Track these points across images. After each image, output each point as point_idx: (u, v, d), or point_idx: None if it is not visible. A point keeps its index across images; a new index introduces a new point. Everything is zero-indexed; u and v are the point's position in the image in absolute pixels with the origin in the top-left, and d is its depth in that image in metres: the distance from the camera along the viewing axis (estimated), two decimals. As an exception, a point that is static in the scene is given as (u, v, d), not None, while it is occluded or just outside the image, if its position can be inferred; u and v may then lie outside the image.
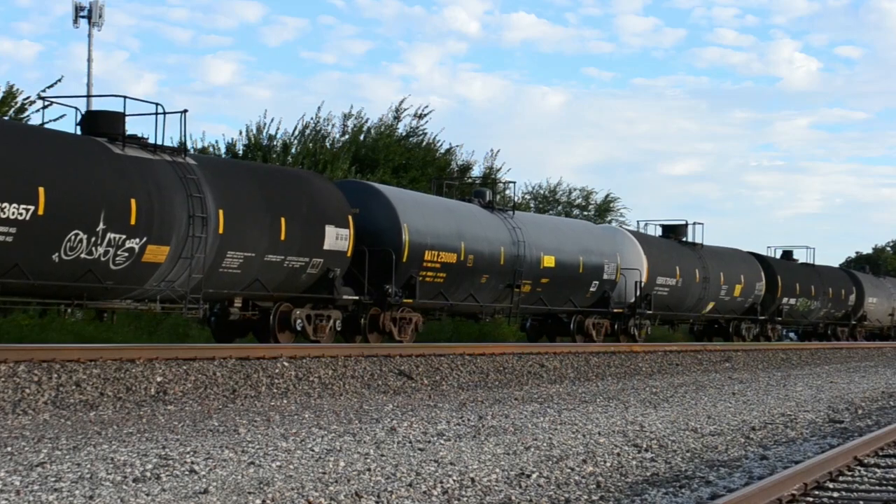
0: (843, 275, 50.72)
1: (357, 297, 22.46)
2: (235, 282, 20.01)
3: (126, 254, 17.85)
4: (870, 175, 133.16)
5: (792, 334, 50.99)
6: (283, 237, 20.59)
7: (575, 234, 30.70)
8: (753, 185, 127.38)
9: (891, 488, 8.77)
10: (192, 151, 23.52)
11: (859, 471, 9.63)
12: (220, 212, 19.32)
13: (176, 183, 18.72)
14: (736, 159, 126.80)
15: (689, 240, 37.62)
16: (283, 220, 20.63)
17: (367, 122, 41.52)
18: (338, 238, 21.82)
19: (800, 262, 47.03)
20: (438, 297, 24.84)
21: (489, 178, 44.35)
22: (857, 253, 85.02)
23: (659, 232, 38.22)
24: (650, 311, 32.92)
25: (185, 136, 20.30)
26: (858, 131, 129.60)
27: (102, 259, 17.52)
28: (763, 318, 41.43)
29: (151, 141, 19.30)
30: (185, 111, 19.70)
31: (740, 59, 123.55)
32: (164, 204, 18.41)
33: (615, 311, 31.53)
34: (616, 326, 32.03)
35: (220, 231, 19.29)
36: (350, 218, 22.22)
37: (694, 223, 37.95)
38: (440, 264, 24.50)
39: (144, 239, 18.05)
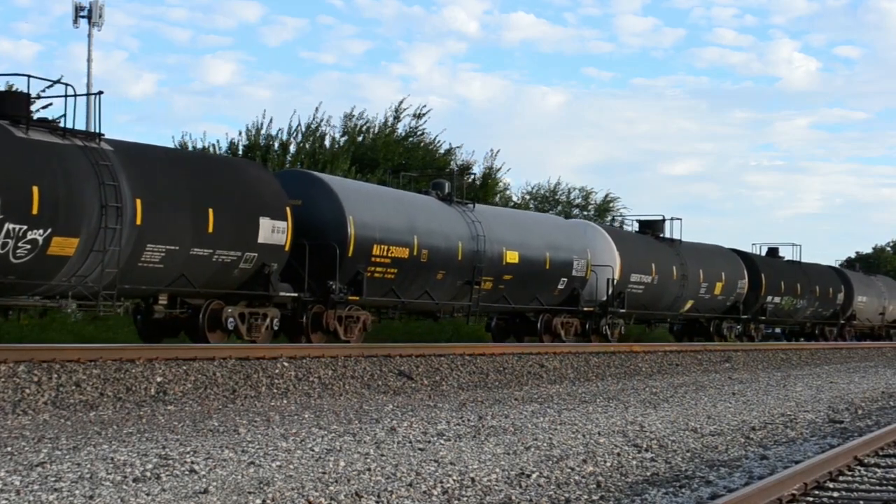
0: (832, 273, 49.05)
1: (296, 294, 21.10)
2: (158, 277, 18.59)
3: (28, 246, 16.36)
4: (870, 175, 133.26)
5: (777, 331, 49.62)
6: (210, 229, 19.09)
7: (541, 229, 29.15)
8: (753, 185, 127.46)
9: (891, 488, 8.77)
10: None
11: (859, 471, 9.63)
12: (138, 201, 17.87)
13: (87, 169, 17.23)
14: (736, 159, 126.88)
15: (667, 236, 35.98)
16: (210, 210, 19.15)
17: (365, 122, 41.61)
18: (274, 231, 20.36)
19: (786, 259, 45.65)
20: (389, 294, 23.41)
21: (488, 179, 44.38)
22: (856, 253, 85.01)
23: (636, 228, 36.90)
24: (623, 310, 31.37)
25: (99, 119, 18.73)
26: (858, 131, 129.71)
27: (0, 252, 16.06)
28: (746, 317, 39.89)
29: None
30: (101, 93, 18.37)
31: (740, 59, 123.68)
32: (72, 192, 16.93)
33: (586, 309, 30.00)
34: (588, 326, 30.53)
35: (138, 222, 17.85)
36: (288, 209, 20.71)
37: (672, 218, 36.44)
38: (390, 259, 23.04)
39: (49, 230, 16.54)
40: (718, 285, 37.36)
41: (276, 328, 20.80)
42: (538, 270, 28.00)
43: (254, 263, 20.06)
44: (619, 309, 31.22)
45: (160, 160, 19.38)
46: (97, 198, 17.23)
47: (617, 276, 31.14)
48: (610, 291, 30.85)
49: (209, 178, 19.82)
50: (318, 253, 21.43)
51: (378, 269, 22.84)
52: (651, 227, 36.09)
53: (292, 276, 21.21)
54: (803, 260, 47.29)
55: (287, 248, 20.70)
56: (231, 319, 19.88)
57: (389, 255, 23.01)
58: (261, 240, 20.11)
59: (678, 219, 36.46)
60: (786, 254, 46.16)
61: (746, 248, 42.88)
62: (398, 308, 24.57)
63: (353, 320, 22.73)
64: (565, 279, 29.06)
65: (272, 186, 20.96)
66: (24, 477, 8.13)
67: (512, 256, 26.98)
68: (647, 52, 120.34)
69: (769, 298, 41.34)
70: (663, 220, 36.25)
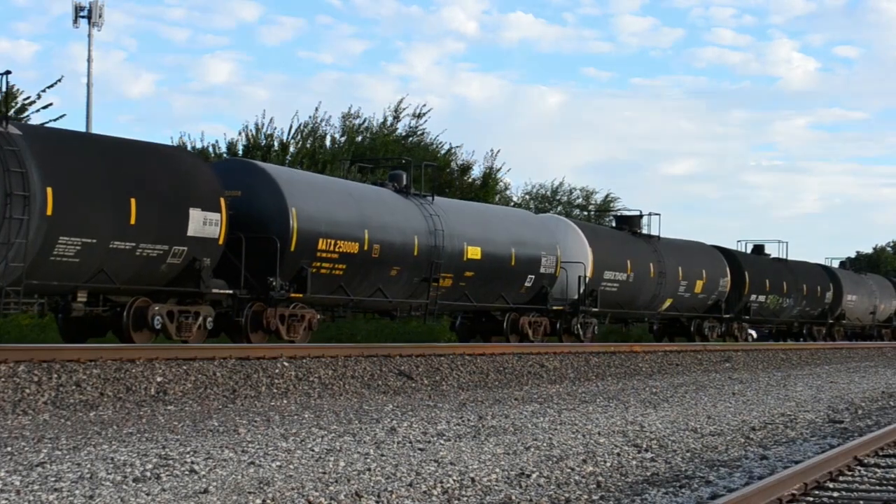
0: (820, 271, 47.51)
1: (231, 291, 19.89)
2: (73, 273, 17.33)
3: None
4: (869, 175, 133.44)
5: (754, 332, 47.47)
6: (132, 221, 17.86)
7: (506, 224, 27.69)
8: (752, 185, 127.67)
9: (891, 488, 8.77)
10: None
11: (859, 471, 9.63)
12: (49, 190, 16.69)
13: None
14: (735, 159, 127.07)
15: (645, 232, 34.30)
16: (133, 201, 17.92)
17: (363, 122, 41.68)
18: (206, 223, 19.07)
19: (772, 256, 44.19)
20: (338, 291, 22.12)
21: (488, 179, 44.41)
22: (857, 252, 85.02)
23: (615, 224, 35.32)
24: (596, 309, 29.91)
25: (6, 102, 17.49)
26: (857, 131, 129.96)
27: None
28: (728, 316, 38.28)
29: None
30: (7, 73, 17.59)
31: (738, 59, 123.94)
32: None
33: (555, 308, 28.61)
34: (559, 325, 29.00)
35: (49, 212, 16.65)
36: (222, 200, 19.48)
37: (650, 214, 34.81)
38: (338, 254, 21.76)
39: None
40: (699, 283, 35.88)
41: (209, 327, 19.60)
42: (503, 267, 26.71)
43: (183, 258, 18.85)
44: (591, 308, 29.81)
45: (76, 146, 18.13)
46: (1, 186, 16.14)
47: (589, 273, 29.72)
48: (582, 289, 29.49)
49: (132, 165, 18.55)
50: (257, 247, 20.32)
51: (325, 264, 21.58)
52: (628, 223, 34.50)
53: (230, 271, 20.10)
54: (798, 259, 46.32)
55: (221, 241, 19.49)
56: (158, 318, 18.72)
57: (337, 249, 21.78)
58: (191, 233, 18.88)
59: (657, 214, 35.09)
60: (772, 251, 44.86)
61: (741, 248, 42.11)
62: (349, 306, 23.34)
63: (297, 319, 21.40)
64: (532, 276, 27.72)
65: (205, 175, 19.72)
66: (24, 477, 8.13)
67: (474, 252, 25.73)
68: (645, 52, 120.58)
69: (753, 297, 39.85)
70: (641, 216, 34.75)
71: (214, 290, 19.59)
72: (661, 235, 34.97)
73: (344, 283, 22.23)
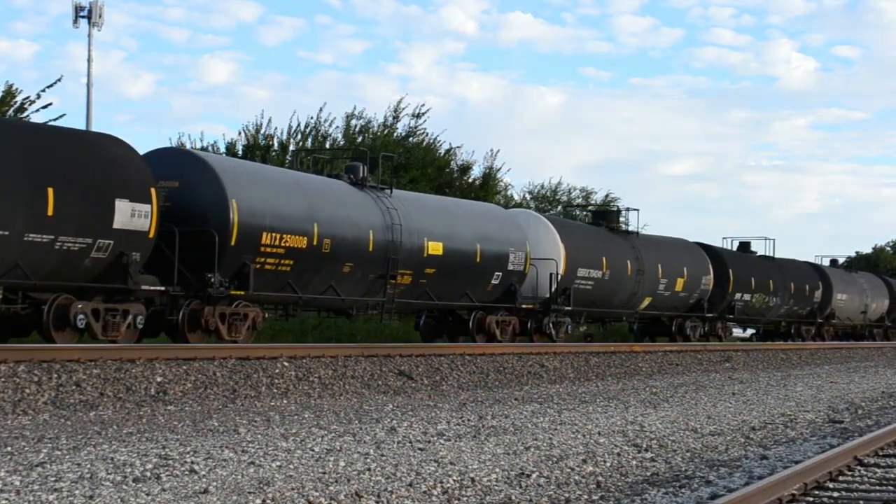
0: (809, 269, 46.09)
1: (163, 288, 18.71)
2: None
3: None
4: (869, 175, 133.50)
5: (741, 331, 46.43)
6: (50, 212, 16.72)
7: (471, 219, 26.39)
8: (752, 184, 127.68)
9: (891, 488, 8.77)
10: None
11: (859, 471, 9.63)
12: None
13: None
14: (734, 159, 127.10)
15: (623, 227, 33.18)
16: (50, 190, 16.78)
17: (366, 122, 41.71)
18: (134, 215, 17.94)
19: (758, 254, 42.76)
20: (286, 288, 20.98)
21: (489, 179, 44.41)
22: (856, 252, 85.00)
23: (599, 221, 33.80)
24: (569, 308, 28.74)
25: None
26: (857, 131, 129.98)
27: None
28: (711, 315, 36.74)
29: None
30: None
31: (738, 59, 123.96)
32: None
33: (524, 306, 27.43)
34: (529, 325, 27.83)
35: None
36: (153, 191, 18.35)
37: (627, 209, 33.68)
38: (285, 249, 20.60)
39: None
40: (679, 281, 34.34)
41: (140, 326, 18.44)
42: (467, 264, 25.49)
43: (109, 252, 17.72)
44: (563, 307, 28.63)
45: None
46: None
47: (561, 270, 28.41)
48: (553, 287, 28.17)
49: (50, 153, 17.39)
50: (195, 241, 19.20)
51: (269, 260, 20.43)
52: (605, 219, 33.24)
53: (166, 267, 18.99)
54: (789, 257, 45.63)
55: (152, 234, 18.35)
56: (81, 316, 17.46)
57: (283, 244, 20.61)
58: (117, 225, 17.74)
59: (635, 209, 33.92)
60: (759, 248, 43.55)
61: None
62: (298, 304, 22.08)
63: (239, 318, 20.19)
64: (500, 273, 26.48)
65: (134, 165, 18.53)
66: (24, 477, 8.13)
67: (435, 248, 24.50)
68: (645, 52, 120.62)
69: (738, 296, 38.51)
70: (618, 211, 33.67)
71: (144, 287, 18.42)
72: (641, 232, 33.88)
73: (292, 279, 21.09)
